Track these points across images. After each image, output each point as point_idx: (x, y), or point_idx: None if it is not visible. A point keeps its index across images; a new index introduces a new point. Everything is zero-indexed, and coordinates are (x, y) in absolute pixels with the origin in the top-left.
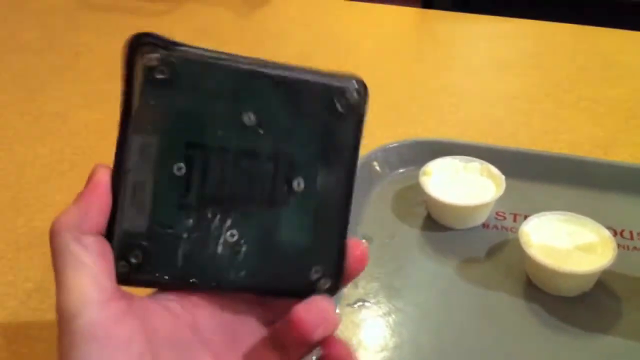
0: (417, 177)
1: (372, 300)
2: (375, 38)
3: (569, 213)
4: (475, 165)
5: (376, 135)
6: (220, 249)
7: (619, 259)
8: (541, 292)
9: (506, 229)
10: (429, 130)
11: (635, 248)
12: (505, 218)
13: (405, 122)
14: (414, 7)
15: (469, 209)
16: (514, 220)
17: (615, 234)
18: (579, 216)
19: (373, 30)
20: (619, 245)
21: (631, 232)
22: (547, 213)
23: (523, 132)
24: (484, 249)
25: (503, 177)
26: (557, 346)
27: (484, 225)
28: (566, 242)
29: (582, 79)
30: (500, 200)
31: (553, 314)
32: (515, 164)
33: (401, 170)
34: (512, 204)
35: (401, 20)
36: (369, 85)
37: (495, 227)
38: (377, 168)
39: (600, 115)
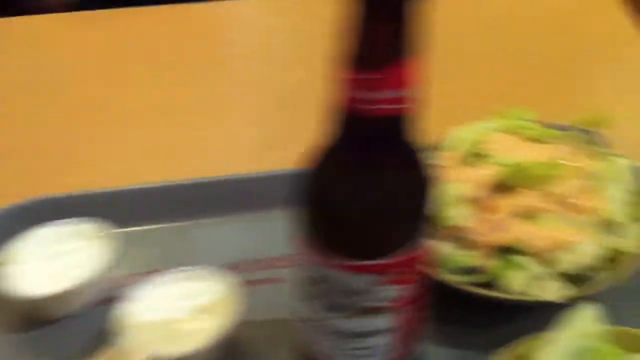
0: None
1: None
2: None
3: (188, 269)
4: (84, 228)
5: None
6: None
7: (256, 300)
8: None
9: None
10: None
11: (272, 279)
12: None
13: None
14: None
15: (63, 295)
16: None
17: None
18: (200, 271)
19: None
20: (250, 282)
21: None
22: (153, 278)
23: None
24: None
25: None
26: None
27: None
28: (183, 309)
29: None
30: (130, 259)
31: None
32: (143, 206)
33: None
34: (146, 259)
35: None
36: None
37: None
38: None
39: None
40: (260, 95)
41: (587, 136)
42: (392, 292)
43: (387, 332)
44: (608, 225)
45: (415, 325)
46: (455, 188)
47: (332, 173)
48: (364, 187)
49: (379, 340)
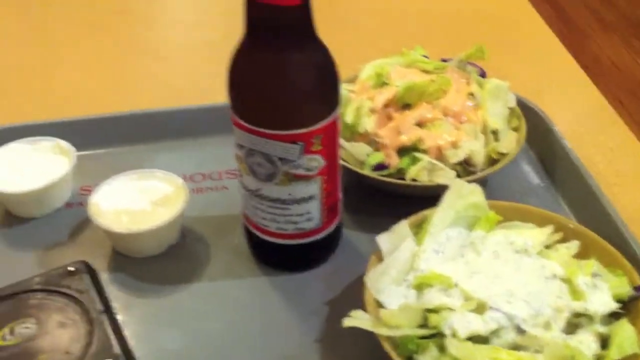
0: None
1: None
2: None
3: (140, 170)
4: (46, 144)
5: None
6: None
7: (208, 201)
8: (129, 258)
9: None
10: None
11: (224, 187)
12: (90, 192)
13: None
14: None
15: (38, 192)
16: None
17: (203, 177)
18: (151, 170)
19: None
20: (207, 188)
21: (219, 172)
22: (117, 176)
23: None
24: (68, 230)
25: (74, 149)
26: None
27: (68, 205)
28: (141, 200)
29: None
30: (82, 173)
31: (138, 275)
32: (90, 133)
33: None
34: (96, 174)
35: None
36: None
37: (81, 203)
38: None
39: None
40: None
41: (471, 66)
42: (312, 161)
43: (314, 200)
44: (488, 132)
45: (336, 196)
46: (367, 104)
47: (251, 59)
48: (278, 67)
49: (307, 207)
